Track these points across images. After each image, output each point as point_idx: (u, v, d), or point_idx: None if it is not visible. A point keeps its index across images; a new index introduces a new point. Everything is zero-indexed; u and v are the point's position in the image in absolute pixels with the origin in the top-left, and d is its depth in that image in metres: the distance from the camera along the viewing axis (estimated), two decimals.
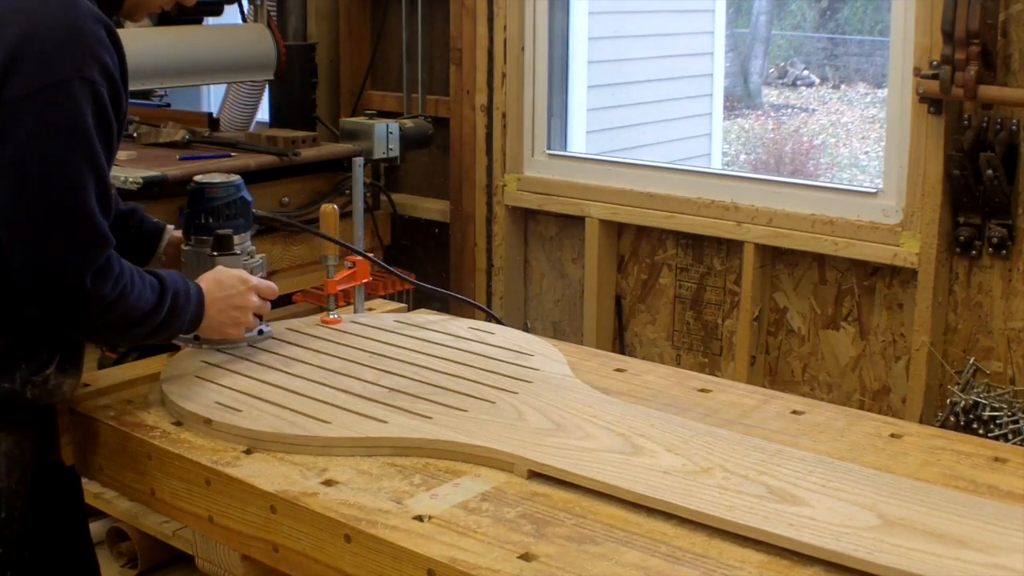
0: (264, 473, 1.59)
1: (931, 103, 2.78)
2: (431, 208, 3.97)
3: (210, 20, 3.78)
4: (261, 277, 2.05)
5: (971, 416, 2.80)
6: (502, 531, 1.42)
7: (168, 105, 4.29)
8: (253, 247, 2.09)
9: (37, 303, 1.66)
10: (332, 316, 2.23)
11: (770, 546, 1.37)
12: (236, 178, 2.06)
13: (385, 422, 1.71)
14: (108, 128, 1.68)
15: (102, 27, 1.67)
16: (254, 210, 2.10)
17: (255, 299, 1.95)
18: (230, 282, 1.93)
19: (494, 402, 1.78)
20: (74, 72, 1.62)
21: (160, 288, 1.78)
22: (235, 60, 3.58)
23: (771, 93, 10.96)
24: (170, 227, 2.13)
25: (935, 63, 2.73)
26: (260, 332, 2.06)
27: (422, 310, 2.43)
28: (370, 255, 2.26)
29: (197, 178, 2.05)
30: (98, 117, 1.65)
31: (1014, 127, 2.70)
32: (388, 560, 1.40)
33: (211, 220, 2.01)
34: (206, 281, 1.91)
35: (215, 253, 2.01)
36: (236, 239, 2.03)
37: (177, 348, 2.05)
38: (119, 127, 1.73)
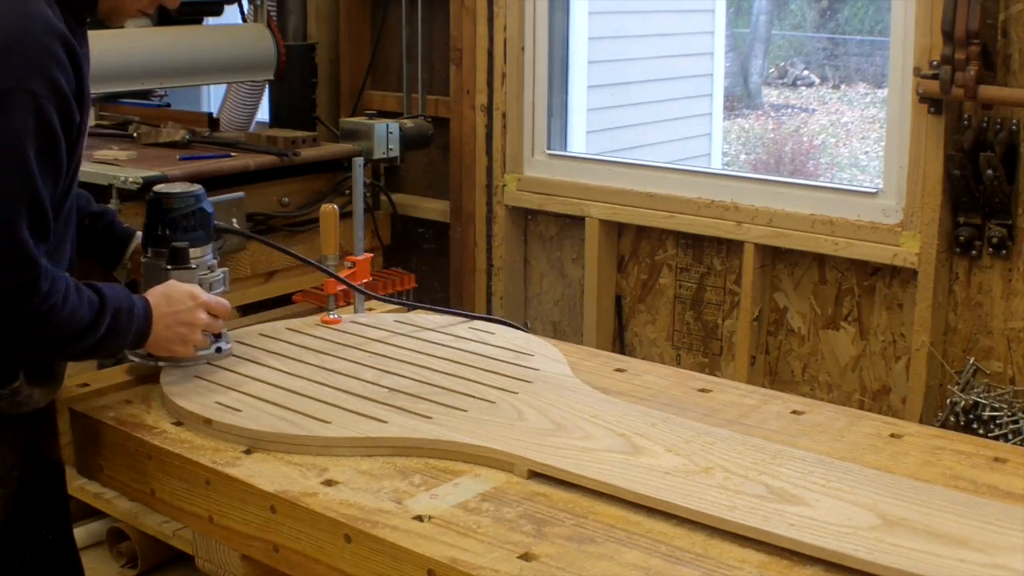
0: (264, 473, 1.59)
1: (931, 103, 2.78)
2: (431, 208, 3.97)
3: (210, 20, 3.78)
4: (221, 293, 1.98)
5: (971, 416, 2.80)
6: (502, 531, 1.42)
7: (168, 105, 4.29)
8: (214, 260, 2.01)
9: None
10: (332, 316, 2.23)
11: (770, 546, 1.37)
12: (197, 188, 1.99)
13: (385, 422, 1.71)
14: (51, 144, 1.62)
15: (57, 40, 1.61)
16: (216, 222, 2.01)
17: (203, 316, 1.87)
18: (179, 297, 1.85)
19: (494, 402, 1.78)
20: (13, 83, 1.56)
21: (99, 305, 1.72)
22: (235, 60, 3.58)
23: (771, 93, 10.96)
24: (139, 234, 2.08)
25: (935, 63, 2.73)
26: (218, 350, 1.96)
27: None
28: (330, 270, 2.19)
29: (157, 187, 1.98)
30: (39, 132, 1.59)
31: (1014, 127, 2.70)
32: (388, 560, 1.40)
33: (168, 231, 1.94)
34: (154, 296, 1.85)
35: (169, 266, 1.93)
36: (196, 252, 1.95)
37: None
38: (71, 144, 1.68)
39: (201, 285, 1.93)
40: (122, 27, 1.81)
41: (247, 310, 3.03)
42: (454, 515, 1.46)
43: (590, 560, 1.35)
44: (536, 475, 1.57)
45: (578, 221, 3.57)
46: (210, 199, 2.02)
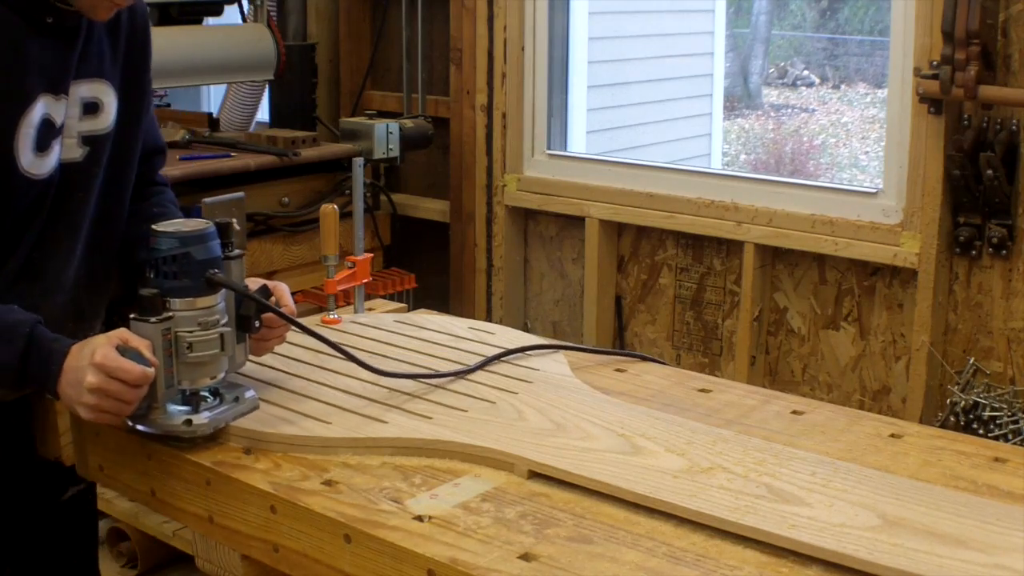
0: (264, 473, 1.59)
1: (931, 103, 2.78)
2: (431, 208, 3.97)
3: (210, 20, 3.78)
4: (200, 355, 1.64)
5: (971, 416, 2.80)
6: (502, 531, 1.42)
7: (168, 105, 4.30)
8: (215, 318, 1.67)
9: None
10: (332, 316, 2.23)
11: (770, 546, 1.37)
12: (197, 228, 1.67)
13: (385, 422, 1.71)
14: None
15: None
16: (214, 273, 1.65)
17: (93, 378, 1.55)
18: (85, 352, 1.58)
19: (494, 402, 1.78)
20: None
21: None
22: (235, 60, 3.58)
23: (771, 93, 10.96)
24: (259, 281, 1.83)
25: (935, 63, 2.73)
26: (187, 423, 1.64)
27: (422, 310, 2.43)
28: (264, 301, 1.77)
29: (160, 223, 1.70)
30: None
31: (1014, 127, 2.70)
32: (388, 560, 1.40)
33: (151, 275, 1.66)
34: (78, 345, 1.62)
35: (133, 315, 1.64)
36: (178, 304, 1.64)
37: None
38: None
39: (178, 344, 1.63)
40: (102, 20, 1.73)
41: None
42: (454, 515, 1.46)
43: (590, 560, 1.35)
44: (536, 475, 1.57)
45: (578, 221, 3.57)
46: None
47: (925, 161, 2.84)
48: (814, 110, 10.52)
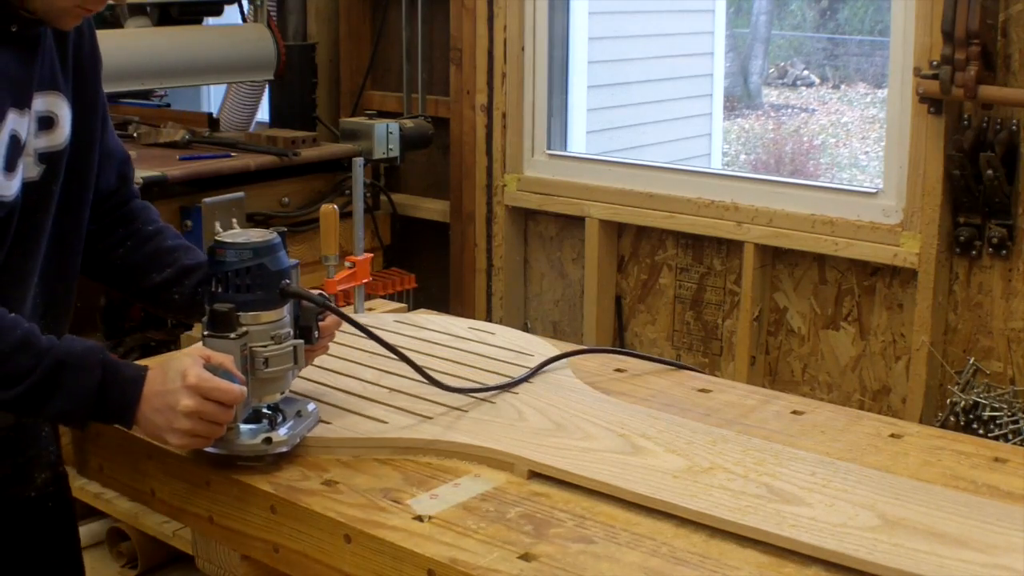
0: (264, 473, 1.59)
1: (931, 103, 2.78)
2: (431, 208, 3.97)
3: (210, 20, 3.78)
4: (275, 371, 1.60)
5: (971, 416, 2.80)
6: (502, 531, 1.42)
7: (168, 105, 4.30)
8: (286, 330, 1.61)
9: None
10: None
11: (770, 546, 1.37)
12: (267, 238, 1.60)
13: (385, 422, 1.71)
14: None
15: None
16: (287, 283, 1.60)
17: (189, 401, 1.47)
18: (172, 375, 1.49)
19: (494, 402, 1.78)
20: None
21: (39, 354, 1.46)
22: (235, 60, 3.59)
23: (771, 93, 10.96)
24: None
25: (935, 63, 2.73)
26: (267, 441, 1.58)
27: (422, 310, 2.43)
28: (340, 310, 1.75)
29: (223, 234, 1.62)
30: None
31: (1014, 127, 2.70)
32: (388, 560, 1.40)
33: (219, 289, 1.59)
34: (156, 370, 1.53)
35: (206, 332, 1.58)
36: (250, 317, 1.58)
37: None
38: None
39: (254, 359, 1.58)
40: (67, 29, 1.64)
41: None
42: (454, 515, 1.46)
43: (590, 560, 1.35)
44: (536, 475, 1.57)
45: (578, 221, 3.57)
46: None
47: (925, 161, 2.84)
48: (814, 110, 10.52)
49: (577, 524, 1.44)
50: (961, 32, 2.63)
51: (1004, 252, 2.77)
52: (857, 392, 3.13)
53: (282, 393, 1.65)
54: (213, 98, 5.04)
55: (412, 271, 3.65)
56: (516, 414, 1.73)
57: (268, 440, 1.58)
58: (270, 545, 1.55)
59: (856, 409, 2.05)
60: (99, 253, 1.80)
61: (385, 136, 3.53)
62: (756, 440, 1.65)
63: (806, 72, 10.97)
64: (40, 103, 1.59)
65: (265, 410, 1.64)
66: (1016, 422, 2.75)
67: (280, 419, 1.63)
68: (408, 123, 3.65)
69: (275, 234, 1.62)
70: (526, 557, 1.35)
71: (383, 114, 3.75)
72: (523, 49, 3.65)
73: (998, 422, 2.76)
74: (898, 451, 1.65)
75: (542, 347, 2.07)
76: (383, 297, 3.16)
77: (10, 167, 1.54)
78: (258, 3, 3.66)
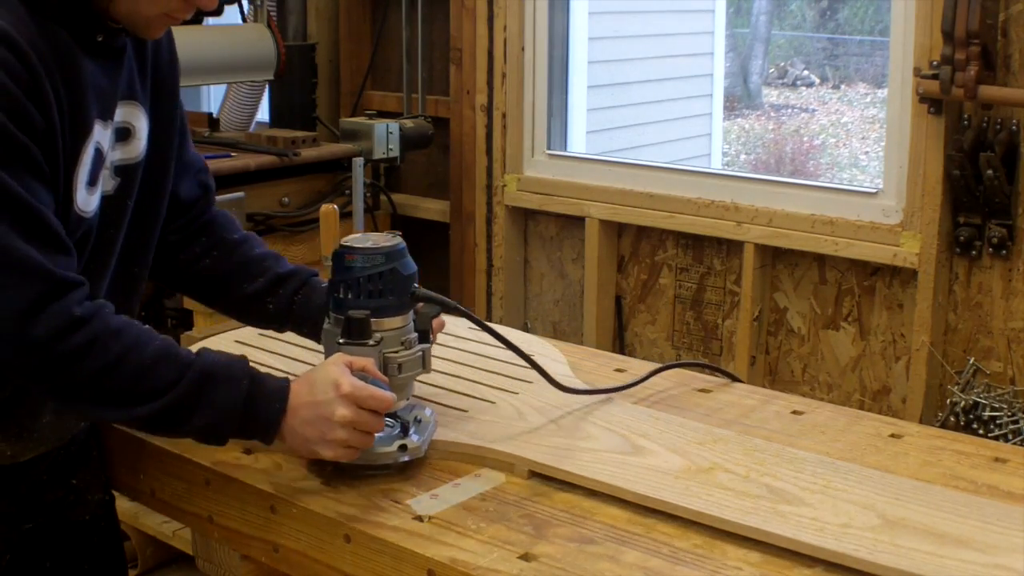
0: (264, 473, 1.59)
1: (931, 103, 2.78)
2: (431, 208, 3.97)
3: (210, 20, 3.78)
4: (412, 376, 1.60)
5: (971, 416, 2.80)
6: (502, 531, 1.42)
7: None
8: (412, 335, 1.60)
9: None
10: None
11: (770, 546, 1.37)
12: (393, 243, 1.59)
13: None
14: (16, 148, 1.35)
15: None
16: (416, 287, 1.59)
17: (345, 411, 1.44)
18: (322, 385, 1.45)
19: (494, 402, 1.78)
20: None
21: (183, 365, 1.42)
22: (235, 60, 3.58)
23: (771, 93, 10.96)
24: None
25: (935, 63, 2.73)
26: (402, 448, 1.54)
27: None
28: (467, 311, 1.70)
29: (347, 238, 1.60)
30: None
31: (1014, 127, 2.70)
32: (388, 560, 1.40)
33: (349, 295, 1.56)
34: (300, 382, 1.48)
35: (342, 339, 1.55)
36: (383, 323, 1.56)
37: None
38: (49, 137, 1.39)
39: (387, 366, 1.56)
40: (153, 39, 1.57)
41: None
42: (454, 515, 1.46)
43: (590, 560, 1.35)
44: (536, 475, 1.57)
45: (578, 221, 3.57)
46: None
47: (925, 161, 2.84)
48: (814, 110, 10.52)
49: (577, 524, 1.44)
50: (961, 32, 2.63)
51: (1004, 252, 2.77)
52: (857, 392, 3.13)
53: (407, 399, 1.62)
54: (213, 98, 5.04)
55: None
56: (516, 414, 1.73)
57: (403, 447, 1.54)
58: (270, 545, 1.55)
59: (856, 409, 2.05)
60: (183, 265, 1.76)
61: (385, 136, 3.53)
62: (756, 440, 1.65)
63: (806, 72, 10.97)
64: (119, 114, 1.54)
65: (390, 417, 1.58)
66: (1016, 422, 2.75)
67: (407, 426, 1.59)
68: (408, 123, 3.65)
69: (400, 238, 1.60)
70: (526, 557, 1.35)
71: (383, 114, 3.75)
72: (523, 49, 3.65)
73: (998, 422, 2.76)
74: (898, 451, 1.65)
75: (542, 347, 2.06)
76: None
77: (93, 182, 1.50)
78: (258, 3, 3.66)
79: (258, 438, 1.49)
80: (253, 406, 1.45)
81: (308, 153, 3.44)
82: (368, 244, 1.57)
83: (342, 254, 1.57)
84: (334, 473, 1.57)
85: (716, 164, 6.67)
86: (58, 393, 1.43)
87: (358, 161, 2.38)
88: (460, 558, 1.35)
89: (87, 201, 1.49)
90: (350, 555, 1.44)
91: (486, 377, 1.89)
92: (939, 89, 2.71)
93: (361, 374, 1.48)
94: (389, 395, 1.48)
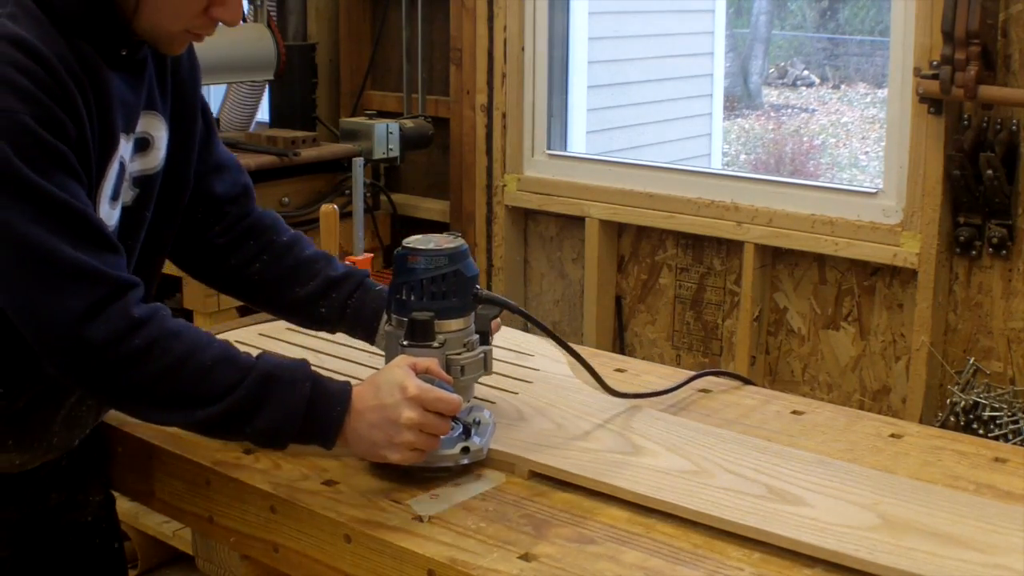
0: (264, 473, 1.59)
1: (931, 103, 2.78)
2: (431, 208, 3.97)
3: None
4: (469, 378, 1.60)
5: (971, 416, 2.80)
6: (502, 531, 1.42)
7: None
8: (474, 336, 1.60)
9: (43, 358, 1.38)
10: None
11: (770, 546, 1.37)
12: (455, 244, 1.58)
13: None
14: (53, 155, 1.33)
15: (19, 48, 1.32)
16: (478, 288, 1.59)
17: (412, 413, 1.43)
18: (388, 388, 1.44)
19: (494, 402, 1.78)
20: None
21: (244, 368, 1.40)
22: (235, 60, 3.58)
23: (771, 93, 10.97)
24: None
25: (935, 63, 2.73)
26: (464, 451, 1.53)
27: None
28: (528, 313, 1.70)
29: (409, 240, 1.59)
30: (28, 147, 1.31)
31: (1014, 127, 2.70)
32: (388, 560, 1.40)
33: (412, 297, 1.55)
34: (364, 385, 1.48)
35: (405, 342, 1.54)
36: (446, 325, 1.56)
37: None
38: (82, 147, 1.38)
39: (450, 368, 1.56)
40: (175, 54, 1.55)
41: (247, 310, 3.03)
42: (454, 515, 1.46)
43: (590, 560, 1.35)
44: (536, 475, 1.57)
45: (578, 221, 3.57)
46: None
47: (925, 161, 2.84)
48: (814, 110, 10.53)
49: (577, 524, 1.44)
50: (961, 32, 2.63)
51: (1004, 252, 2.77)
52: (857, 392, 3.13)
53: (468, 401, 1.61)
54: (213, 98, 5.04)
55: None
56: (516, 414, 1.73)
57: (466, 449, 1.53)
58: (270, 545, 1.55)
59: (856, 409, 2.05)
60: (232, 269, 1.75)
61: (385, 136, 3.53)
62: (756, 440, 1.65)
63: (806, 72, 10.98)
64: (139, 124, 1.53)
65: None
66: (1016, 422, 2.75)
67: (469, 428, 1.57)
68: (408, 123, 3.65)
69: (462, 239, 1.60)
70: (526, 557, 1.35)
71: (383, 114, 3.75)
72: (523, 49, 3.65)
73: (998, 422, 2.76)
74: (898, 451, 1.65)
75: (542, 347, 2.07)
76: None
77: (116, 196, 1.48)
78: (258, 3, 3.66)
79: (318, 442, 1.47)
80: (315, 409, 1.44)
81: (308, 153, 3.44)
82: (431, 246, 1.56)
83: (405, 255, 1.56)
84: (334, 473, 1.57)
85: (716, 164, 6.67)
86: (117, 397, 1.42)
87: (358, 161, 2.38)
88: (460, 558, 1.35)
89: (109, 215, 1.47)
90: (350, 555, 1.44)
91: (486, 377, 1.89)
92: (939, 89, 2.71)
93: (426, 376, 1.47)
94: (456, 397, 1.47)
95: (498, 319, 1.68)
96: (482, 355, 1.60)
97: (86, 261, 1.33)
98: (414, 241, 1.58)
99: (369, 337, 1.70)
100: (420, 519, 1.45)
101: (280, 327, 2.18)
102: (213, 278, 1.79)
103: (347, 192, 3.47)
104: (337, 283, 1.73)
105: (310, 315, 1.76)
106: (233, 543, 1.61)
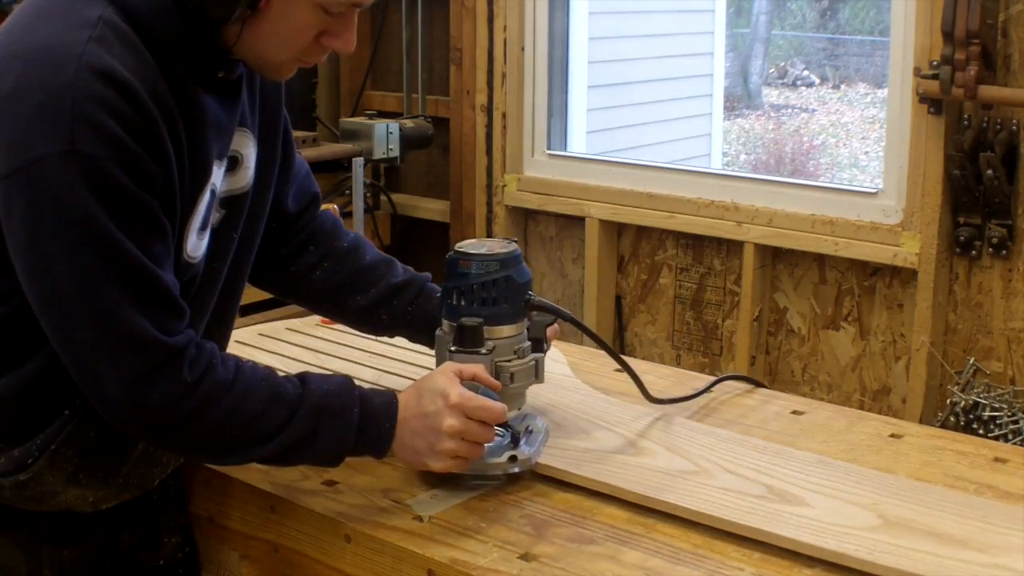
0: (264, 473, 1.59)
1: (931, 103, 2.78)
2: (431, 208, 3.97)
3: None
4: (519, 386, 1.57)
5: (971, 416, 2.80)
6: (502, 531, 1.42)
7: None
8: (526, 344, 1.57)
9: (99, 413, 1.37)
10: None
11: (770, 546, 1.37)
12: (508, 249, 1.55)
13: None
14: (135, 206, 1.29)
15: (107, 83, 1.25)
16: (531, 294, 1.57)
17: (453, 421, 1.41)
18: (430, 396, 1.43)
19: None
20: (55, 146, 1.24)
21: (293, 404, 1.39)
22: None
23: (771, 93, 10.96)
24: None
25: (935, 63, 2.73)
26: (512, 460, 1.50)
27: None
28: (580, 322, 1.71)
29: (461, 244, 1.58)
30: (110, 197, 1.26)
31: (1014, 127, 2.70)
32: (388, 560, 1.40)
33: (462, 302, 1.53)
34: (408, 392, 1.46)
35: (453, 347, 1.53)
36: (497, 331, 1.54)
37: None
38: (168, 190, 1.33)
39: (499, 375, 1.53)
40: (281, 80, 1.51)
41: (247, 310, 3.03)
42: (454, 515, 1.46)
43: (590, 560, 1.35)
44: (536, 475, 1.57)
45: (578, 221, 3.57)
46: None
47: (925, 161, 2.84)
48: (814, 110, 10.52)
49: (577, 524, 1.44)
50: (961, 32, 2.63)
51: (1004, 252, 2.77)
52: (857, 392, 3.13)
53: (519, 409, 1.60)
54: None
55: None
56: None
57: (513, 458, 1.51)
58: (270, 545, 1.55)
59: (856, 409, 2.05)
60: (294, 276, 1.73)
61: (385, 136, 3.53)
62: (756, 440, 1.65)
63: (806, 72, 10.97)
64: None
65: (500, 426, 1.53)
66: (1016, 422, 2.75)
67: (508, 433, 1.55)
68: (408, 123, 3.65)
69: (515, 244, 1.58)
70: (526, 557, 1.35)
71: (383, 114, 3.75)
72: (523, 49, 3.65)
73: (998, 422, 2.76)
74: (898, 451, 1.65)
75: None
76: None
77: (205, 226, 1.44)
78: None
79: (369, 455, 1.47)
80: (365, 432, 1.43)
81: (308, 153, 3.43)
82: (483, 250, 1.54)
83: (456, 260, 1.54)
84: (334, 473, 1.57)
85: (716, 164, 6.66)
86: (174, 448, 1.45)
87: (358, 161, 2.38)
88: (460, 558, 1.35)
89: (196, 246, 1.44)
90: (350, 555, 1.44)
91: None
92: (939, 89, 2.71)
93: (472, 383, 1.46)
94: (499, 406, 1.44)
95: (555, 326, 1.66)
96: (533, 362, 1.57)
97: (145, 328, 1.31)
98: (466, 245, 1.56)
99: (432, 342, 1.66)
100: (420, 519, 1.45)
101: (280, 327, 2.18)
102: (276, 285, 1.76)
103: (347, 192, 3.47)
104: (398, 290, 1.72)
105: (371, 322, 1.76)
106: (233, 543, 1.61)
